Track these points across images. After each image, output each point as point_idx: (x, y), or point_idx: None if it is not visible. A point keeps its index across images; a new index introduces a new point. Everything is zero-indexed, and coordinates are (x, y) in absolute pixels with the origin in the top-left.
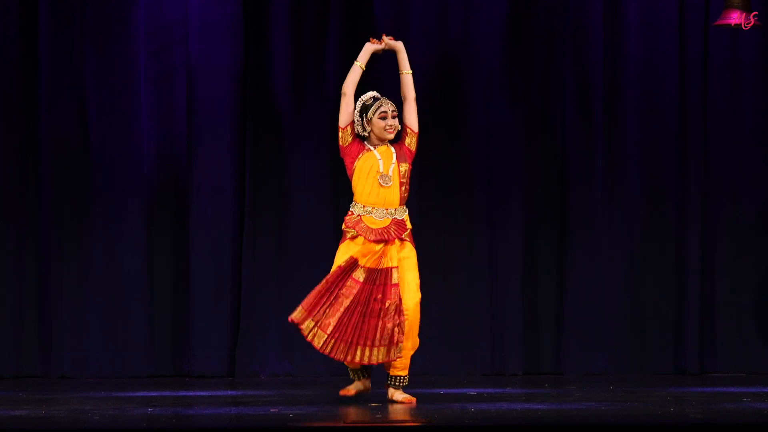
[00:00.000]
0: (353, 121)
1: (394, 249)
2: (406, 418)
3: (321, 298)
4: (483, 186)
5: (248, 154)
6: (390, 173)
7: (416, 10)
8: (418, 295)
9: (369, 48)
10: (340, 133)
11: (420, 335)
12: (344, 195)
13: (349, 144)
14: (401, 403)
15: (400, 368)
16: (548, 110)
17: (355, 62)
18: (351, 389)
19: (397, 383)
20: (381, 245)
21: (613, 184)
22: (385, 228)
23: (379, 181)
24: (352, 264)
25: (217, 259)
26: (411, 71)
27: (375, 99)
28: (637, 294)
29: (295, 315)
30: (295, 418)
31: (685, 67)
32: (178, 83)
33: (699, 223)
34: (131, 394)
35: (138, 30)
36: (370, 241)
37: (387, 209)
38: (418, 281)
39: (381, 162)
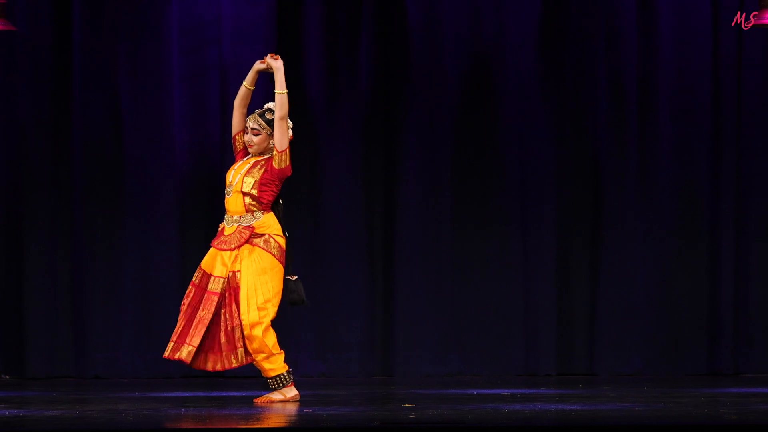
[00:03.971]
0: (242, 132)
1: (241, 254)
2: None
3: (184, 325)
4: (516, 187)
5: None
6: (234, 182)
7: (449, 11)
8: (254, 304)
9: (255, 67)
10: (232, 143)
11: (454, 336)
12: (375, 195)
13: (236, 153)
14: (271, 401)
15: (267, 370)
16: (581, 111)
17: (244, 83)
18: (262, 398)
19: (273, 385)
20: (225, 252)
21: (646, 184)
22: (229, 236)
23: (225, 190)
24: (203, 278)
25: None
26: (285, 91)
27: (252, 114)
28: (671, 294)
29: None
30: (328, 418)
31: (719, 67)
32: (211, 83)
33: (732, 222)
34: (165, 394)
35: (171, 30)
36: (216, 248)
37: (232, 216)
38: (259, 287)
39: (233, 172)
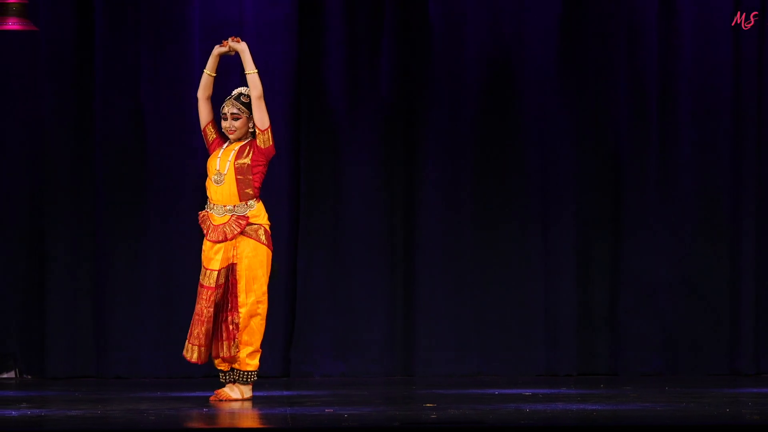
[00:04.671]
0: (212, 122)
1: (239, 245)
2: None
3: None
4: (537, 186)
5: (302, 154)
6: (225, 171)
7: (470, 10)
8: (257, 293)
9: (215, 52)
10: (203, 135)
11: (475, 336)
12: (396, 196)
13: (209, 144)
14: (229, 399)
15: (244, 363)
16: (602, 111)
17: (204, 70)
18: (221, 393)
19: (240, 377)
20: (221, 244)
21: (667, 185)
22: (222, 226)
23: (212, 179)
24: (205, 274)
25: None
26: (255, 71)
27: (227, 98)
28: (692, 294)
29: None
30: (349, 418)
31: (740, 68)
32: (233, 84)
33: (754, 222)
34: (186, 394)
35: (192, 30)
36: (211, 241)
37: (225, 206)
38: (259, 278)
39: (218, 160)
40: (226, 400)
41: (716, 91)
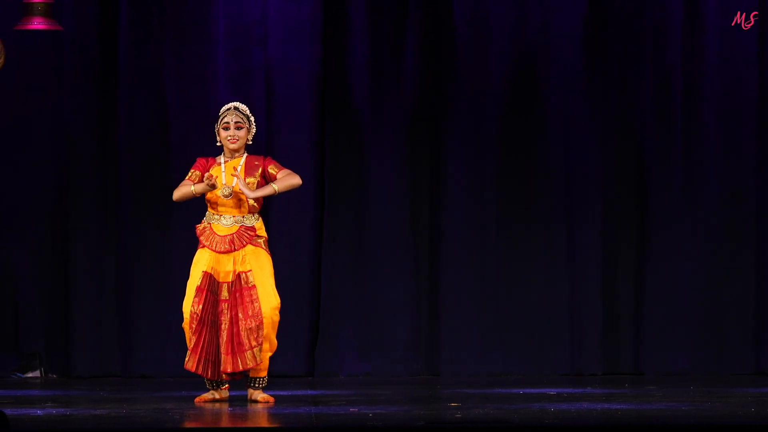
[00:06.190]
0: (192, 171)
1: (248, 255)
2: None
3: (199, 336)
4: (562, 187)
5: (327, 153)
6: (231, 185)
7: (495, 10)
8: (275, 300)
9: (202, 188)
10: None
11: (500, 335)
12: (420, 196)
13: (201, 167)
14: (261, 402)
15: (260, 370)
16: (627, 111)
17: (193, 186)
18: (207, 396)
19: (257, 384)
20: (229, 255)
21: (692, 185)
22: (229, 236)
23: (219, 192)
24: (212, 285)
25: (296, 258)
26: (276, 189)
27: (226, 109)
28: (717, 294)
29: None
30: (374, 417)
31: (765, 68)
32: (257, 83)
33: None
34: None
35: (217, 30)
36: (217, 252)
37: (234, 216)
38: (273, 286)
39: (224, 174)
40: (267, 402)
41: (741, 91)
